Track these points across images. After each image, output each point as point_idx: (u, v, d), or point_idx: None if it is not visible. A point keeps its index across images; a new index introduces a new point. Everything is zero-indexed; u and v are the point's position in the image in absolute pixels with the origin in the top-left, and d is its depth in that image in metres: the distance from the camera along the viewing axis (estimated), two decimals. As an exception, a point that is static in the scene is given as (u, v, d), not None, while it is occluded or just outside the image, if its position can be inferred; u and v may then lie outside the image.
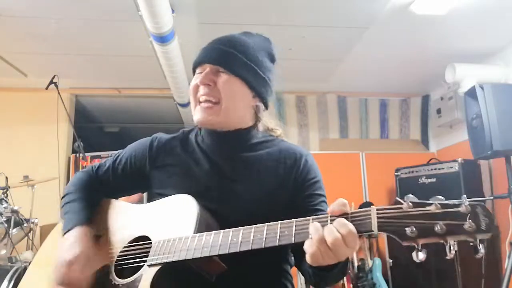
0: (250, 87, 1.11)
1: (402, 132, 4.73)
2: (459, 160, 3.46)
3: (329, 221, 0.81)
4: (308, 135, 4.59)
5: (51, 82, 3.12)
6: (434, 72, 3.90)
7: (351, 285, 3.65)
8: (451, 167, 3.51)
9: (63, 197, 1.19)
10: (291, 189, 1.08)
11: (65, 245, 1.03)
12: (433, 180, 3.63)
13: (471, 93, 3.00)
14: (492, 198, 3.35)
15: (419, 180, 3.72)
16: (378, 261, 3.67)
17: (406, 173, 3.88)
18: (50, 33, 3.22)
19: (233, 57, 1.09)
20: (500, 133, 2.79)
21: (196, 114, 1.11)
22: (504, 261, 3.08)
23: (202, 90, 1.09)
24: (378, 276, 3.59)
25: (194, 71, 1.15)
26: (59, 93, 3.17)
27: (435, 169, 3.65)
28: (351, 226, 0.78)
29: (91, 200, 1.16)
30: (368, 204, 0.76)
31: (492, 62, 3.62)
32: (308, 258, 0.81)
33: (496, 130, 2.80)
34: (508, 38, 3.37)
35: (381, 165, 4.22)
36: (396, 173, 3.95)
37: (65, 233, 1.07)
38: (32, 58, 3.72)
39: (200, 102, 1.10)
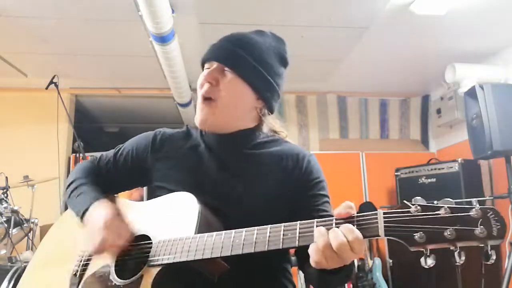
0: (254, 90, 1.10)
1: (402, 132, 4.73)
2: (459, 160, 3.46)
3: (334, 224, 0.78)
4: (308, 135, 4.59)
5: (51, 82, 3.11)
6: (434, 72, 3.90)
7: (351, 285, 3.65)
8: (451, 167, 3.51)
9: (69, 184, 1.18)
10: (293, 189, 1.06)
11: (91, 219, 1.03)
12: (433, 180, 3.63)
13: (471, 93, 3.00)
14: (492, 198, 3.35)
15: (419, 180, 3.72)
16: (378, 261, 3.67)
17: (406, 173, 3.87)
18: (50, 33, 3.22)
19: (241, 58, 1.08)
20: (500, 133, 2.79)
21: (197, 114, 1.11)
22: (504, 261, 3.08)
23: (204, 87, 1.09)
24: (378, 276, 3.59)
25: (203, 66, 1.14)
26: (59, 93, 3.17)
27: (435, 169, 3.65)
28: (358, 233, 0.74)
29: (99, 186, 1.15)
30: (368, 204, 0.75)
31: (492, 62, 3.62)
32: (312, 262, 0.79)
33: (496, 130, 2.80)
34: (508, 38, 3.37)
35: (381, 165, 4.22)
36: (396, 173, 3.95)
37: (83, 213, 1.06)
38: (32, 58, 3.71)
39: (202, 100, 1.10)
